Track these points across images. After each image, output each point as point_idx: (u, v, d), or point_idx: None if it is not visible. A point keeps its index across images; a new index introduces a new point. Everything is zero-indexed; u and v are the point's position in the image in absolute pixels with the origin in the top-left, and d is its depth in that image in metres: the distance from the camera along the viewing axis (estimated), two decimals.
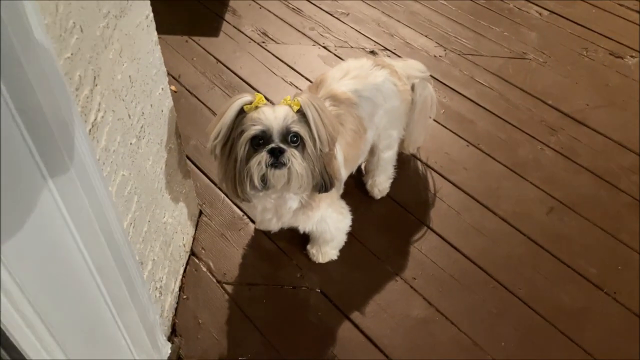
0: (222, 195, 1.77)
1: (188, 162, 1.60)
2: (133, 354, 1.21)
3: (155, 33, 1.25)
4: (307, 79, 2.15)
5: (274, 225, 1.42)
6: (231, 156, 1.20)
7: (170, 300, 1.44)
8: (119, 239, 1.04)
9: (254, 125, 1.15)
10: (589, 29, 2.40)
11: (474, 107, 2.06)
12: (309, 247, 1.60)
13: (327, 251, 1.58)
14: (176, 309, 1.49)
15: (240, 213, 1.72)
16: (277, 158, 1.14)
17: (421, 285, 1.55)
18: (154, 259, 1.30)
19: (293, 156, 1.15)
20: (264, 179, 1.17)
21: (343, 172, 1.41)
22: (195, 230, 1.67)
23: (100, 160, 0.98)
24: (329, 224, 1.44)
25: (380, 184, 1.73)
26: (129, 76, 1.11)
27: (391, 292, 1.54)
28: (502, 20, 2.45)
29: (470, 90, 2.12)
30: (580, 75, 2.19)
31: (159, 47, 1.27)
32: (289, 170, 1.16)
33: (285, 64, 2.23)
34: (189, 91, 2.11)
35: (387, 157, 1.67)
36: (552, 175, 1.83)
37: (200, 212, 1.72)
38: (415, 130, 1.73)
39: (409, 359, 1.40)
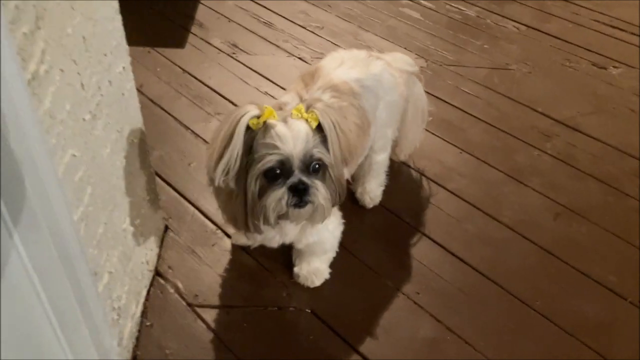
0: (192, 209, 1.54)
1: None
2: None
3: (117, 0, 1.06)
4: (283, 88, 1.99)
5: (276, 243, 1.22)
6: (238, 186, 1.00)
7: (130, 327, 1.18)
8: (67, 231, 0.81)
9: (270, 153, 0.95)
10: (568, 42, 2.34)
11: (462, 115, 1.93)
12: (296, 269, 1.34)
13: (318, 268, 1.34)
14: (137, 338, 1.23)
15: (214, 227, 1.49)
16: (301, 197, 0.98)
17: (426, 301, 1.35)
18: (111, 272, 1.06)
19: (317, 189, 0.99)
20: (282, 216, 1.02)
21: (346, 173, 1.21)
22: (161, 248, 1.43)
23: (44, 125, 0.77)
24: (331, 231, 1.25)
25: (372, 191, 1.54)
26: (83, 37, 0.91)
27: (393, 310, 1.33)
28: (481, 34, 2.38)
29: (457, 99, 2.00)
30: (566, 84, 2.11)
31: (120, 17, 1.08)
32: (313, 206, 1.01)
33: (259, 74, 2.06)
34: (152, 101, 1.90)
35: (381, 160, 1.49)
36: (554, 181, 1.69)
37: (166, 227, 1.48)
38: (411, 131, 1.57)
39: None
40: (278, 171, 0.96)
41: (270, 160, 0.95)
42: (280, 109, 1.10)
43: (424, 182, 1.67)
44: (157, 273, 1.37)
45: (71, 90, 0.86)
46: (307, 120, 0.98)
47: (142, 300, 1.27)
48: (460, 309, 1.34)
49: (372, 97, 1.29)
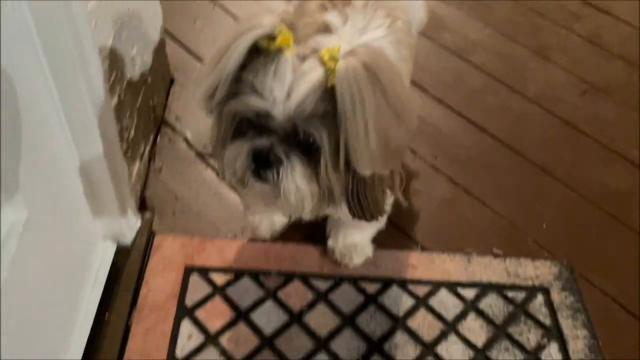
0: (199, 64, 1.45)
1: None
2: (90, 199, 0.90)
3: None
4: None
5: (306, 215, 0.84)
6: (220, 117, 0.71)
7: (138, 166, 1.13)
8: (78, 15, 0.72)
9: (251, 95, 0.65)
10: None
11: None
12: (330, 243, 1.05)
13: (357, 243, 1.04)
14: (145, 182, 1.17)
15: None
16: (260, 168, 0.68)
17: (444, 165, 1.30)
18: (119, 95, 0.98)
19: (290, 173, 0.67)
20: (242, 182, 0.72)
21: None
22: (167, 99, 1.35)
23: None
24: None
25: None
26: None
27: (409, 172, 1.28)
28: None
29: None
30: None
31: None
32: (278, 190, 0.69)
33: None
34: None
35: None
36: (581, 60, 1.61)
37: (172, 80, 1.40)
38: None
39: (438, 240, 1.15)
40: (253, 122, 0.68)
41: (244, 106, 0.66)
42: (330, 31, 0.82)
43: (447, 54, 1.58)
44: (165, 122, 1.30)
45: None
46: (329, 69, 0.62)
47: (149, 143, 1.21)
48: (478, 174, 1.29)
49: (409, 4, 1.01)
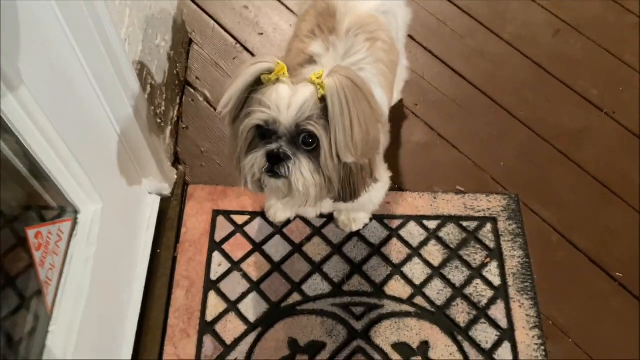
0: (213, 22, 1.66)
1: None
2: (139, 174, 1.21)
3: None
4: None
5: (312, 213, 1.13)
6: (235, 135, 0.90)
7: (170, 129, 1.41)
8: (117, 49, 0.96)
9: (260, 110, 0.83)
10: None
11: None
12: (336, 214, 1.33)
13: (358, 216, 1.32)
14: (176, 139, 1.46)
15: (233, 41, 1.62)
16: (274, 165, 0.85)
17: (423, 112, 1.54)
18: (151, 83, 1.24)
19: (298, 166, 0.85)
20: (260, 183, 0.90)
21: (386, 113, 1.12)
22: (187, 60, 1.59)
23: None
24: (372, 196, 1.10)
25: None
26: None
27: (391, 119, 1.52)
28: None
29: None
30: None
31: None
32: (289, 183, 0.86)
33: None
34: None
35: None
36: None
37: (190, 41, 1.62)
38: None
39: (412, 180, 1.43)
40: (264, 130, 0.85)
41: (256, 117, 0.84)
42: (315, 62, 1.03)
43: None
44: (187, 83, 1.55)
45: None
46: (319, 86, 0.82)
47: (177, 106, 1.48)
48: (452, 119, 1.53)
49: (393, 19, 1.15)
